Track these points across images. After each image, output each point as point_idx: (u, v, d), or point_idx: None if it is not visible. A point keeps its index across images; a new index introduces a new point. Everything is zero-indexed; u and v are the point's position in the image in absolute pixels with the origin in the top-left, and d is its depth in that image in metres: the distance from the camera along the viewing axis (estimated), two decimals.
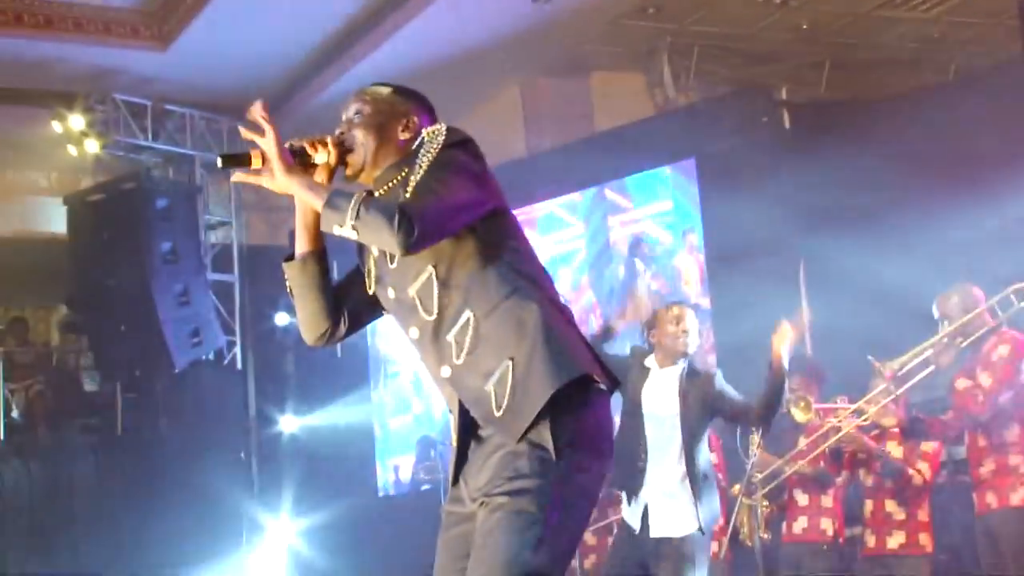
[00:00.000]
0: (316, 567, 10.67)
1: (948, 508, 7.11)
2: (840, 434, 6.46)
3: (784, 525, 6.81)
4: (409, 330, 3.11)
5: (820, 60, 10.60)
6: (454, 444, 3.10)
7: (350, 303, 3.23)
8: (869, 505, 6.56)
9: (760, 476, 6.39)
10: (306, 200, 3.02)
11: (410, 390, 11.14)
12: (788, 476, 6.65)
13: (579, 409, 3.00)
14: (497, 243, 3.07)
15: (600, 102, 10.82)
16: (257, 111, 3.01)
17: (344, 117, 3.16)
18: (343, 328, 3.24)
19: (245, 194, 11.74)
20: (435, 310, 3.03)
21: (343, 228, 2.90)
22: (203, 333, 10.56)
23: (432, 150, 3.03)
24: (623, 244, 10.21)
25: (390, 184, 3.07)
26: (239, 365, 11.29)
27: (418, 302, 3.06)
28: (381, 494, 11.08)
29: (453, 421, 3.11)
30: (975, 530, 6.14)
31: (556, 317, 3.05)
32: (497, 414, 2.96)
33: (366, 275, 3.20)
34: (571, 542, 3.03)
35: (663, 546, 5.51)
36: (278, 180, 2.99)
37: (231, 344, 11.20)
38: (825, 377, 6.99)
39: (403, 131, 3.14)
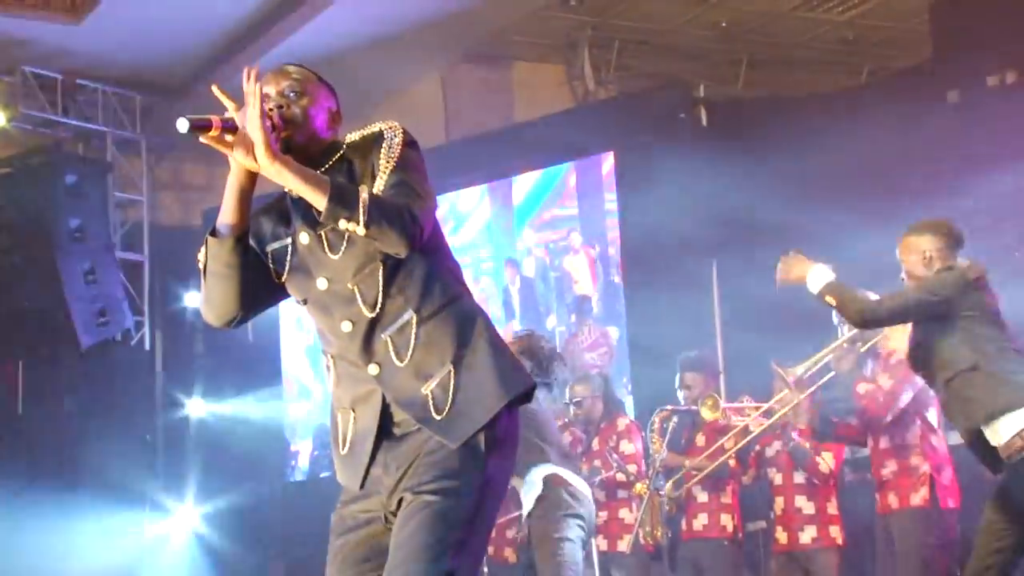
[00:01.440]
0: (220, 551, 10.57)
1: (852, 505, 7.21)
2: (749, 437, 6.52)
3: (684, 522, 6.87)
4: (341, 323, 3.03)
5: (738, 58, 10.68)
6: (362, 441, 3.04)
7: (253, 288, 3.12)
8: (779, 502, 6.64)
9: (662, 473, 6.45)
10: (301, 189, 2.87)
11: (310, 376, 11.08)
12: (687, 473, 6.72)
13: (505, 416, 3.02)
14: (439, 247, 3.08)
15: (521, 92, 10.82)
16: (245, 81, 2.84)
17: (274, 91, 3.04)
18: (251, 312, 3.17)
19: (158, 173, 11.58)
20: (377, 306, 2.99)
21: (351, 223, 2.82)
22: (110, 313, 10.39)
23: (395, 146, 2.99)
24: (532, 243, 10.29)
25: (326, 170, 3.02)
26: (147, 346, 11.14)
27: (358, 295, 3.01)
28: (289, 480, 11.01)
29: (361, 416, 3.05)
30: (876, 527, 6.23)
31: (493, 328, 3.07)
32: (438, 417, 2.94)
33: (272, 262, 3.12)
34: (485, 542, 3.08)
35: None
36: (263, 164, 2.84)
37: (139, 325, 11.05)
38: (719, 373, 7.06)
39: (330, 119, 3.10)
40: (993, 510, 4.87)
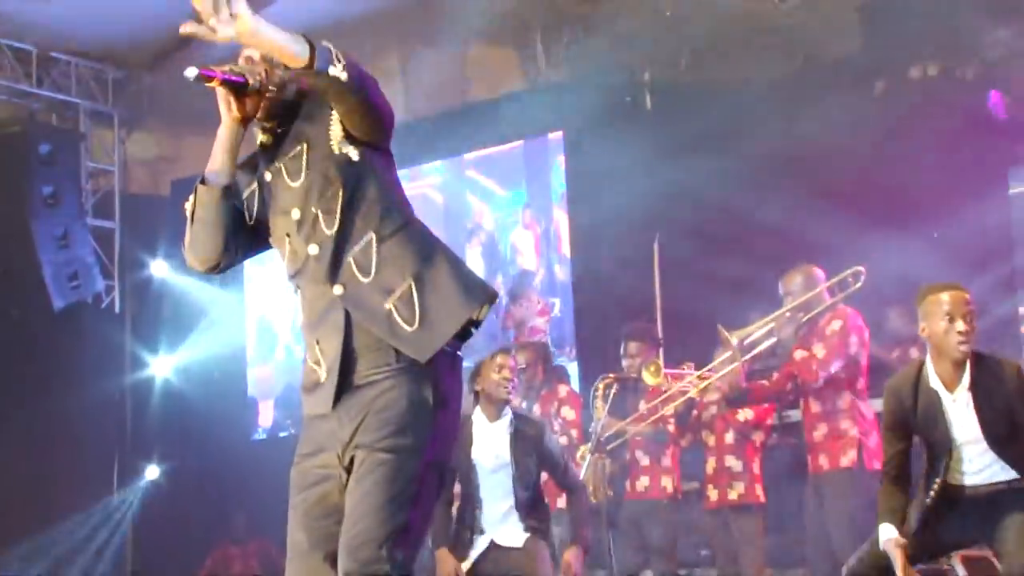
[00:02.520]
0: (184, 503, 10.51)
1: (779, 466, 7.27)
2: (683, 397, 6.54)
3: (627, 484, 6.87)
4: (308, 247, 3.02)
5: (682, 46, 10.62)
6: (332, 359, 2.99)
7: (234, 236, 3.15)
8: (712, 463, 6.70)
9: (605, 437, 6.45)
10: (280, 42, 2.76)
11: (273, 338, 11.01)
12: (631, 438, 6.72)
13: (451, 372, 3.01)
14: (394, 180, 3.11)
15: (476, 74, 10.74)
16: None
17: (259, 54, 3.03)
18: (233, 259, 3.20)
19: (128, 144, 11.45)
20: (336, 226, 2.99)
21: (336, 69, 2.79)
22: (82, 276, 10.32)
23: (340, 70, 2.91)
24: (483, 217, 10.26)
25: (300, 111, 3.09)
26: (117, 309, 11.05)
27: (320, 218, 3.01)
28: (252, 438, 10.96)
29: (327, 334, 3.01)
30: (806, 487, 6.26)
31: (449, 248, 3.08)
32: (409, 329, 2.93)
33: (246, 209, 3.14)
34: (436, 493, 3.03)
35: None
36: (243, 27, 2.68)
37: (109, 288, 10.97)
38: (660, 343, 7.06)
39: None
40: None
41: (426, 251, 3.01)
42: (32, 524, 9.65)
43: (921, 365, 4.67)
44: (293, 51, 2.76)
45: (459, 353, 3.06)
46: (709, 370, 6.45)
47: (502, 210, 10.15)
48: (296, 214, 3.04)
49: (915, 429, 4.67)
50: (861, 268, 6.11)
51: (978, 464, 4.61)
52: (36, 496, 9.82)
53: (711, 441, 6.69)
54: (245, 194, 3.15)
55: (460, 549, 5.58)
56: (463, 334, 3.02)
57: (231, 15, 2.66)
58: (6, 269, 10.14)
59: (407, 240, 3.00)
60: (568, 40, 10.44)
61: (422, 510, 2.93)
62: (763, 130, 9.06)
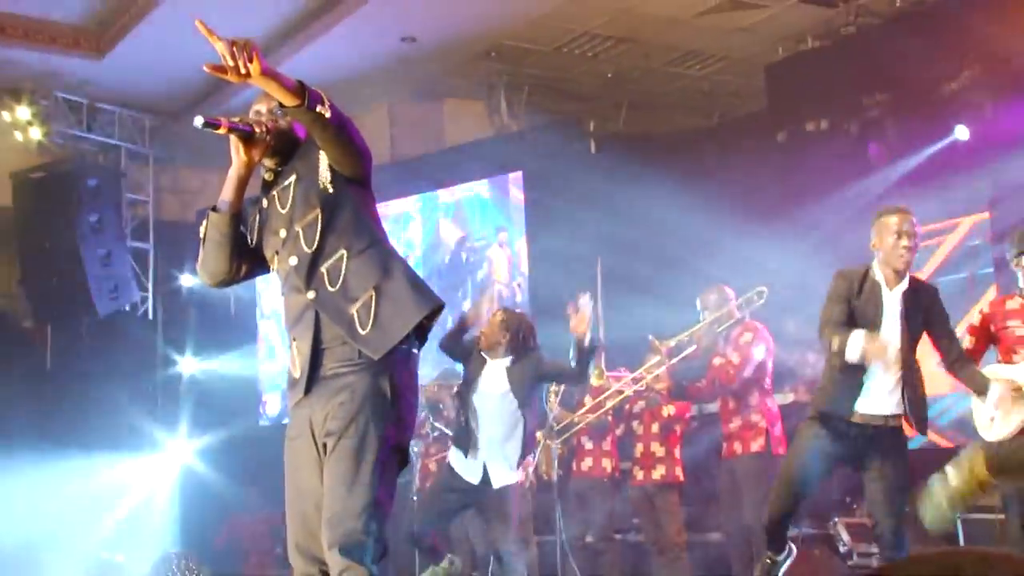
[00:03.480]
0: (205, 479, 10.45)
1: (700, 451, 7.29)
2: (621, 396, 6.55)
3: (574, 464, 6.88)
4: (290, 259, 3.04)
5: (620, 101, 10.68)
6: (304, 357, 3.00)
7: (240, 255, 3.16)
8: (640, 448, 6.67)
9: (557, 426, 6.46)
10: (279, 90, 2.81)
11: (277, 340, 11.00)
12: (578, 426, 6.73)
13: (406, 368, 3.01)
14: (368, 206, 3.10)
15: (450, 123, 10.75)
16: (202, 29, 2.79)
17: (265, 108, 3.10)
18: (238, 276, 3.20)
19: (161, 179, 11.39)
20: (315, 244, 3.01)
21: (323, 108, 2.85)
22: (121, 289, 10.26)
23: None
24: (451, 239, 10.25)
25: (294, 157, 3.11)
26: (151, 316, 10.97)
27: (301, 236, 3.03)
28: (262, 423, 10.90)
29: (300, 335, 3.03)
30: (720, 470, 6.26)
31: (408, 265, 3.10)
32: (363, 332, 2.93)
33: (249, 231, 3.15)
34: (397, 474, 3.02)
35: (488, 492, 5.46)
36: (255, 70, 2.73)
37: (144, 299, 10.88)
38: (604, 351, 7.07)
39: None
40: None
41: (387, 267, 3.01)
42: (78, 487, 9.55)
43: (868, 268, 4.60)
44: (291, 91, 2.81)
45: (415, 351, 3.05)
46: (641, 373, 6.46)
47: (474, 234, 10.14)
48: (283, 233, 3.07)
49: (853, 303, 4.52)
50: (764, 288, 6.12)
51: (876, 388, 4.51)
52: (81, 464, 9.71)
53: (640, 430, 6.67)
54: (249, 221, 3.17)
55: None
56: (419, 336, 3.04)
57: (249, 60, 2.73)
58: (60, 283, 10.07)
59: (373, 257, 3.01)
60: (527, 96, 10.48)
61: (387, 487, 2.91)
62: (687, 170, 9.13)
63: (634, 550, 7.20)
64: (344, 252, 2.99)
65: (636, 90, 10.48)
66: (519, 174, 9.66)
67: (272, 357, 11.04)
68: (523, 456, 5.48)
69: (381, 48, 9.05)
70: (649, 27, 9.13)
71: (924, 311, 4.57)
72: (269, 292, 10.76)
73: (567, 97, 10.62)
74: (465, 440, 5.48)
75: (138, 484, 10.23)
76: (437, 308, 3.02)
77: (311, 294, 2.99)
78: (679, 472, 6.59)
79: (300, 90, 2.81)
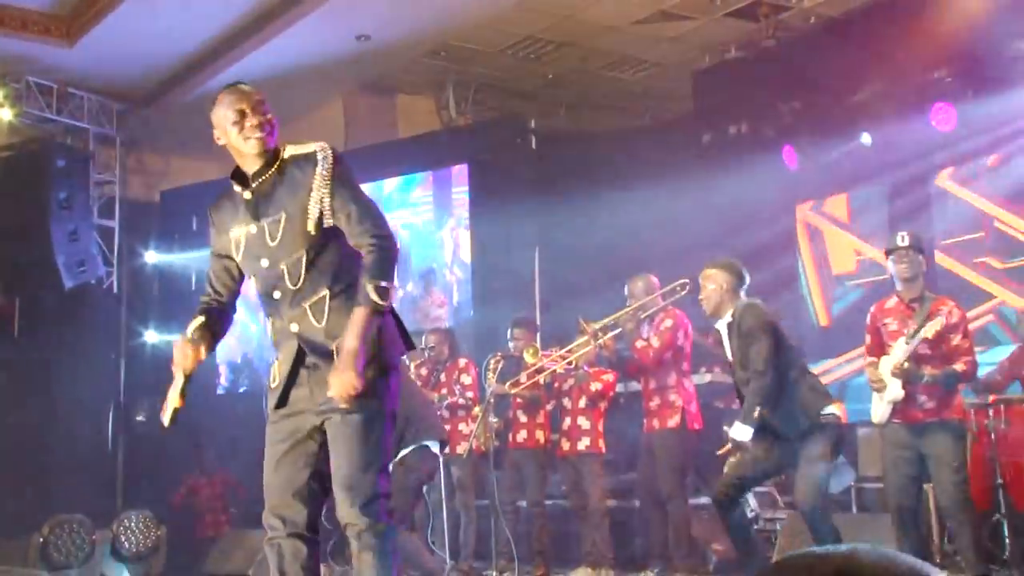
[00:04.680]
0: (166, 440, 10.35)
1: (622, 425, 7.40)
2: (547, 371, 6.62)
3: (510, 435, 6.95)
4: (273, 292, 3.04)
5: (560, 101, 10.76)
6: (283, 375, 3.04)
7: (229, 278, 3.20)
8: (567, 421, 6.73)
9: (493, 400, 6.52)
10: (364, 336, 2.86)
11: (242, 314, 10.94)
12: (513, 400, 6.79)
13: (392, 376, 3.07)
14: (350, 249, 3.01)
15: (402, 117, 10.75)
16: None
17: (250, 103, 3.00)
18: (237, 294, 3.25)
19: (127, 160, 11.23)
20: (299, 283, 2.99)
21: (388, 298, 2.88)
22: (88, 264, 10.06)
23: (328, 167, 2.96)
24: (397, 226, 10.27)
25: (271, 174, 3.01)
26: (116, 290, 10.82)
27: (286, 274, 3.00)
28: (219, 392, 10.84)
29: (283, 358, 3.06)
30: (640, 443, 6.38)
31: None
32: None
33: (233, 250, 3.12)
34: (391, 449, 3.12)
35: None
36: (354, 359, 2.84)
37: (109, 273, 10.70)
38: (537, 329, 7.13)
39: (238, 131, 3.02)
40: None
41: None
42: (30, 461, 9.43)
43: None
44: (371, 329, 2.88)
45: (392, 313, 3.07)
46: (569, 351, 6.54)
47: (423, 221, 10.15)
48: (265, 263, 3.03)
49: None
50: (687, 280, 6.21)
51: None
52: (39, 436, 9.60)
53: (568, 405, 6.75)
54: (234, 234, 3.10)
55: None
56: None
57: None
58: (29, 257, 9.90)
59: (352, 297, 2.93)
60: (474, 93, 10.52)
61: (388, 448, 3.05)
62: (621, 166, 9.23)
63: (563, 514, 7.30)
64: (327, 292, 2.98)
65: (575, 91, 10.57)
66: (464, 167, 9.69)
67: (232, 331, 10.98)
68: None
69: (337, 45, 9.02)
70: (587, 33, 9.22)
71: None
72: None
73: (511, 95, 10.67)
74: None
75: (102, 447, 10.13)
76: (407, 351, 3.14)
77: (294, 327, 3.01)
78: (602, 444, 6.68)
79: (371, 310, 2.86)
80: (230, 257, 3.16)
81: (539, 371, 6.55)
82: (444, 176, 9.88)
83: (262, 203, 3.03)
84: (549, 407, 6.92)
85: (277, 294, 3.03)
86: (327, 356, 2.96)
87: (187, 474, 9.55)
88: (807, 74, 7.95)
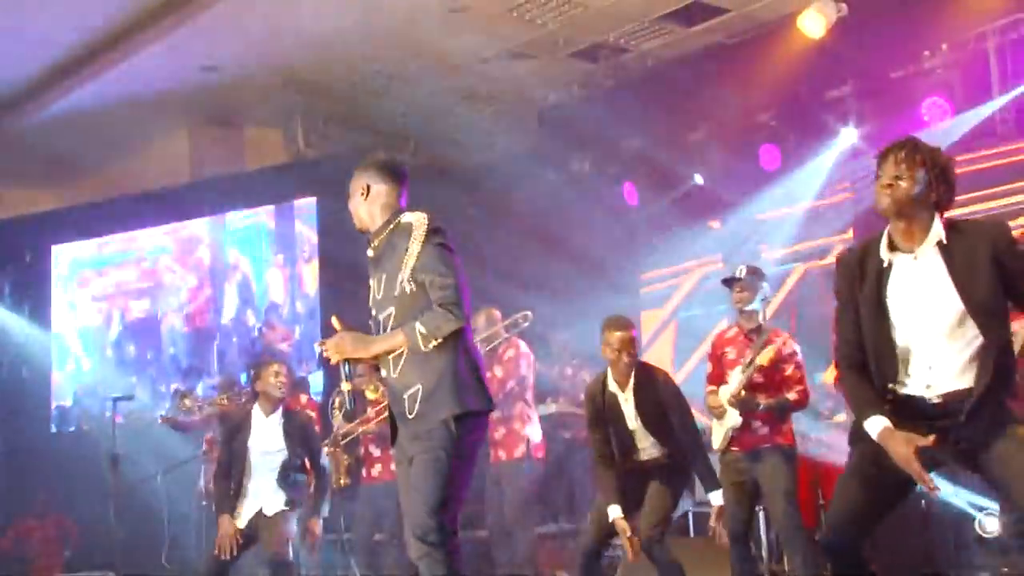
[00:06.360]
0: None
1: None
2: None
3: (364, 471, 6.86)
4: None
5: (408, 134, 10.77)
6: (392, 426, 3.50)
7: None
8: None
9: (343, 440, 6.43)
10: (382, 347, 3.39)
11: (68, 350, 10.49)
12: (363, 436, 6.71)
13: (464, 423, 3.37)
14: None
15: (250, 149, 10.54)
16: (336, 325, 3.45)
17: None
18: None
19: None
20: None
21: (428, 345, 3.29)
22: None
23: (421, 235, 3.37)
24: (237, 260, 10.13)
25: (383, 239, 3.50)
26: None
27: (381, 324, 3.44)
28: (53, 430, 10.32)
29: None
30: (487, 474, 6.37)
31: (460, 362, 3.35)
32: (409, 416, 3.34)
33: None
34: (461, 491, 3.39)
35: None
36: (369, 351, 3.39)
37: None
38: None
39: (366, 200, 3.59)
40: None
41: (436, 366, 3.30)
42: None
43: (604, 376, 5.02)
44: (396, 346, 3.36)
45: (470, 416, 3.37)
46: None
47: (256, 256, 10.03)
48: (374, 311, 3.51)
49: (602, 420, 4.97)
50: (529, 312, 6.32)
51: (646, 445, 4.95)
52: None
53: None
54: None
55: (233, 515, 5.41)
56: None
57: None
58: None
59: (428, 354, 3.30)
60: (323, 126, 10.42)
61: (453, 502, 3.32)
62: (472, 200, 9.32)
63: None
64: (404, 348, 3.33)
65: (423, 125, 10.60)
66: (312, 199, 9.59)
67: (62, 367, 10.49)
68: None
69: (182, 75, 8.81)
70: (435, 69, 9.27)
71: (656, 398, 4.94)
72: (59, 307, 10.34)
73: (361, 129, 10.62)
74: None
75: None
76: (470, 412, 3.34)
77: (383, 372, 3.43)
78: None
79: (403, 341, 3.34)
80: None
81: (384, 406, 6.50)
82: (285, 210, 9.78)
83: (377, 260, 3.51)
84: None
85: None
86: (399, 405, 3.37)
87: (15, 516, 9.04)
88: (645, 115, 8.21)
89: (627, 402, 4.94)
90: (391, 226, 3.45)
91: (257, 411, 5.56)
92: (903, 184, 2.92)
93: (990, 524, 5.80)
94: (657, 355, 8.34)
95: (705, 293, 8.41)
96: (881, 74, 7.36)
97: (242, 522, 5.40)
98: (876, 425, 2.91)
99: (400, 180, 3.57)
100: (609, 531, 4.87)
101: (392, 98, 9.94)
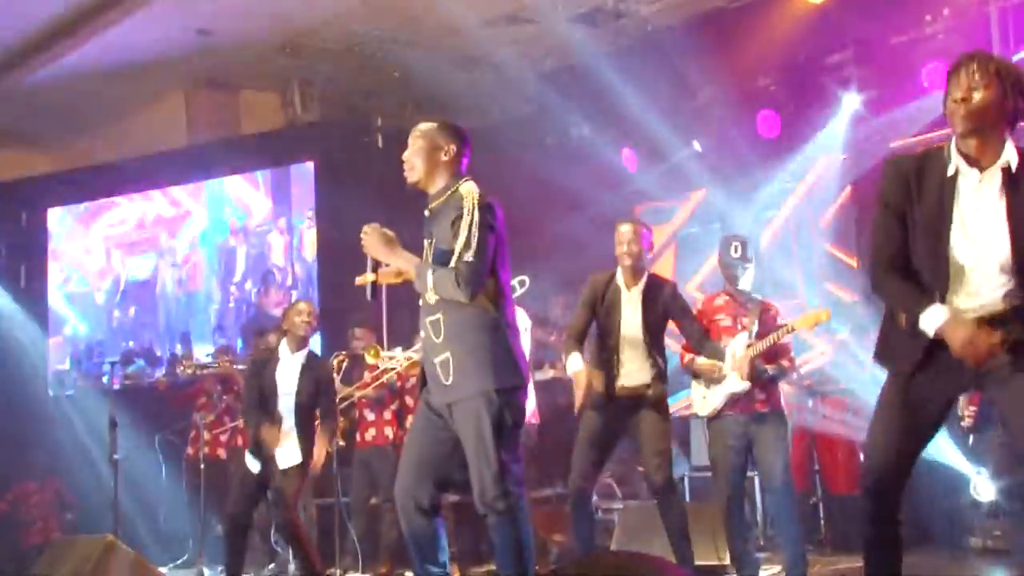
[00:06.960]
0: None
1: None
2: (392, 372, 6.59)
3: (358, 435, 6.88)
4: (420, 301, 3.58)
5: (406, 100, 10.70)
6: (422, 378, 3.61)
7: None
8: (411, 419, 6.67)
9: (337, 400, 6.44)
10: (403, 266, 3.54)
11: (65, 314, 10.48)
12: (358, 400, 6.73)
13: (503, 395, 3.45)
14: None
15: (246, 112, 10.47)
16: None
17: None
18: None
19: None
20: (429, 299, 3.50)
21: (427, 292, 3.44)
22: None
23: (470, 211, 3.42)
24: (235, 224, 10.10)
25: (441, 202, 3.56)
26: None
27: (427, 291, 3.50)
28: (50, 394, 10.33)
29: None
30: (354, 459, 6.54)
31: (494, 338, 3.43)
32: (444, 383, 3.44)
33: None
34: (515, 449, 3.46)
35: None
36: (388, 256, 3.58)
37: None
38: (381, 330, 7.12)
39: (444, 155, 3.59)
40: None
41: (470, 339, 3.41)
42: None
43: (613, 273, 5.02)
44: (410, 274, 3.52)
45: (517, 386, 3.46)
46: (414, 351, 6.52)
47: (260, 219, 9.99)
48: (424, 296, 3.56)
49: (596, 308, 4.98)
50: (525, 277, 6.31)
51: (630, 367, 4.91)
52: None
53: (411, 403, 6.73)
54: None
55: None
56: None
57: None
58: None
59: (464, 322, 3.41)
60: (320, 90, 10.34)
61: (511, 455, 3.41)
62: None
63: None
64: (441, 315, 3.43)
65: (422, 90, 10.52)
66: (310, 164, 9.54)
67: (58, 331, 10.48)
68: None
69: (177, 39, 8.72)
70: (435, 33, 9.19)
71: (662, 305, 4.89)
72: (55, 271, 10.30)
73: (357, 93, 10.54)
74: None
75: None
76: (514, 385, 3.43)
77: (423, 333, 3.54)
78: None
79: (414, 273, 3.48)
80: None
81: (382, 371, 6.52)
82: (283, 175, 9.74)
83: (431, 222, 3.57)
84: (393, 407, 6.89)
85: (422, 302, 3.55)
86: (434, 370, 3.47)
87: (14, 481, 9.07)
88: (645, 79, 8.14)
89: (630, 302, 4.94)
90: (450, 191, 3.51)
91: (284, 347, 5.63)
92: (978, 95, 2.78)
93: (984, 488, 5.83)
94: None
95: (701, 211, 8.41)
96: (882, 39, 7.30)
97: (255, 467, 5.41)
98: (937, 314, 2.75)
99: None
100: (598, 458, 4.89)
101: (388, 63, 9.86)
